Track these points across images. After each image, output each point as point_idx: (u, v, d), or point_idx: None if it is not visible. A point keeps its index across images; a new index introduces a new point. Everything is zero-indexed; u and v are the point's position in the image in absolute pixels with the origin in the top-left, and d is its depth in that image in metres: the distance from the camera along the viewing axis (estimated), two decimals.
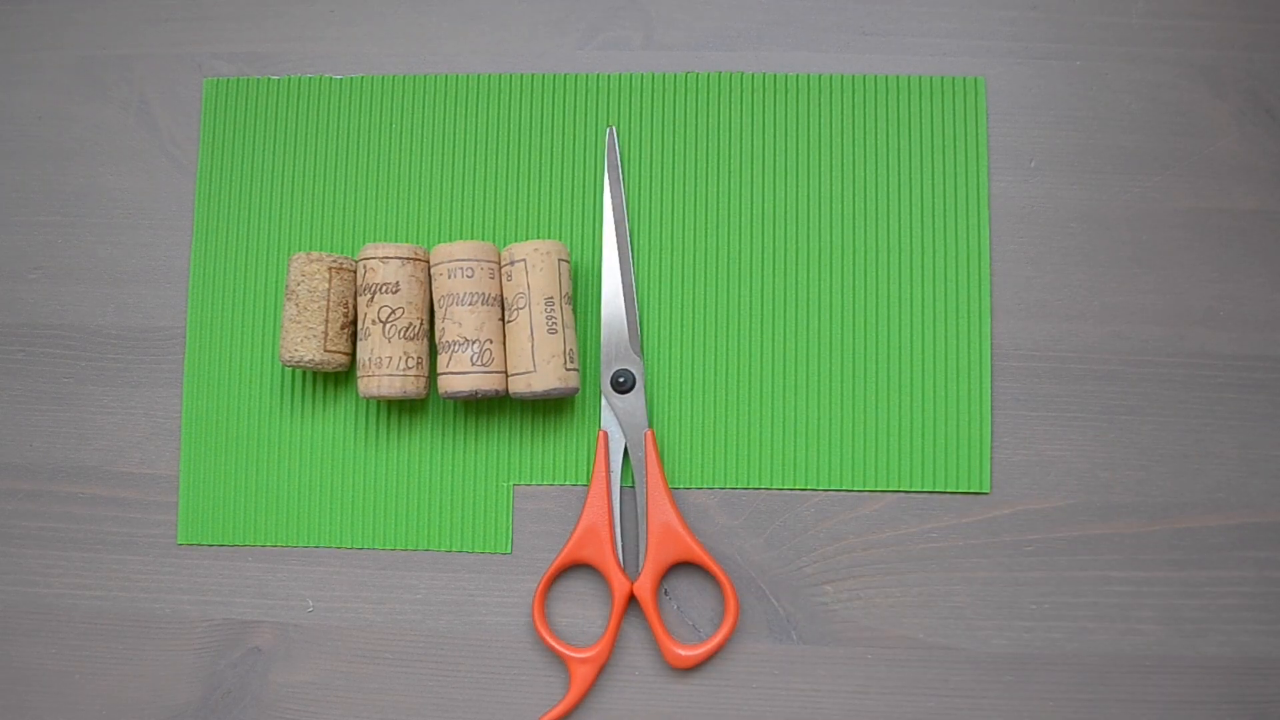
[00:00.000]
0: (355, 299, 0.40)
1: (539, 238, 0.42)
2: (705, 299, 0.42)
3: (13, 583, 0.42)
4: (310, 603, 0.41)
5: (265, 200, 0.43)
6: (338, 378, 0.42)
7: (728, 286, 0.42)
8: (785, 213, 0.42)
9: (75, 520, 0.42)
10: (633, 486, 0.41)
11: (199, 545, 0.42)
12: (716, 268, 0.42)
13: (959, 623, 0.40)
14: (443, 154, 0.43)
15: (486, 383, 0.38)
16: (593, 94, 0.43)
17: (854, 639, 0.40)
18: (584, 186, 0.43)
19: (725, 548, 0.41)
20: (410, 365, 0.39)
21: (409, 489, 0.42)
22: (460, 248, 0.39)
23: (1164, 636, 0.40)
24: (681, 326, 0.42)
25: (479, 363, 0.38)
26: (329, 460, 0.42)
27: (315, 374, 0.42)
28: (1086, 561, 0.40)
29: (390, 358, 0.39)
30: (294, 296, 0.39)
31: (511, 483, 0.41)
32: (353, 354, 0.41)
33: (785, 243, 0.42)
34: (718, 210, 0.42)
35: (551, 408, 0.42)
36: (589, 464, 0.41)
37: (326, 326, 0.39)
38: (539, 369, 0.38)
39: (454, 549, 0.41)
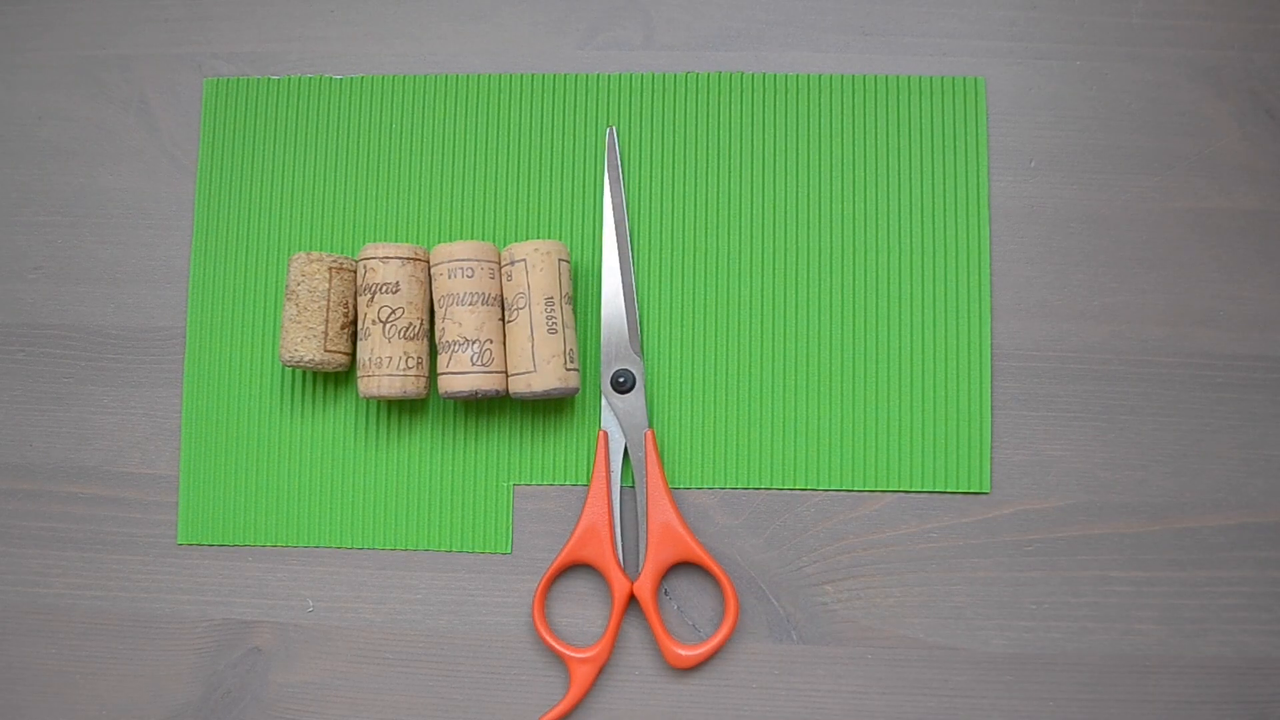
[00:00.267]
0: (355, 299, 0.40)
1: (539, 238, 0.42)
2: (705, 299, 0.42)
3: (13, 583, 0.42)
4: (310, 603, 0.41)
5: (265, 200, 0.43)
6: (338, 378, 0.42)
7: (728, 286, 0.42)
8: (785, 213, 0.42)
9: (75, 520, 0.42)
10: (633, 486, 0.41)
11: (199, 545, 0.42)
12: (716, 268, 0.42)
13: (959, 623, 0.40)
14: (443, 154, 0.43)
15: (486, 383, 0.38)
16: (593, 94, 0.43)
17: (854, 639, 0.40)
18: (584, 186, 0.43)
19: (725, 548, 0.41)
20: (410, 365, 0.39)
21: (409, 489, 0.42)
22: (460, 248, 0.39)
23: (1164, 636, 0.40)
24: (681, 326, 0.42)
25: (479, 363, 0.38)
26: (329, 460, 0.42)
27: (315, 374, 0.42)
28: (1086, 561, 0.40)
29: (390, 358, 0.39)
30: (294, 296, 0.39)
31: (511, 483, 0.41)
32: (353, 354, 0.41)
33: (785, 243, 0.42)
34: (718, 210, 0.42)
35: (551, 408, 0.42)
36: (589, 464, 0.41)
37: (326, 326, 0.39)
38: (539, 369, 0.38)
39: (454, 549, 0.41)
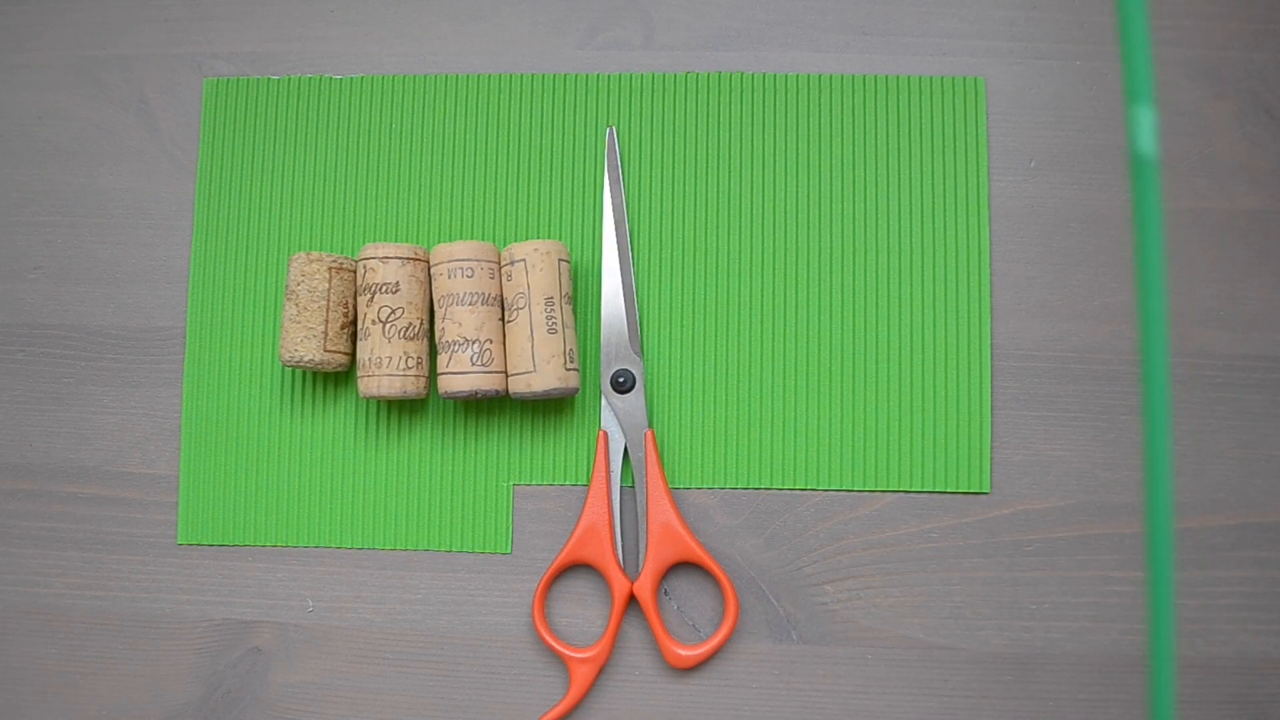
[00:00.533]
0: (355, 299, 0.40)
1: (539, 238, 0.42)
2: (705, 299, 0.42)
3: (13, 583, 0.42)
4: (310, 603, 0.41)
5: (265, 200, 0.43)
6: (338, 378, 0.42)
7: (728, 286, 0.42)
8: (785, 213, 0.42)
9: (75, 520, 0.42)
10: (633, 486, 0.41)
11: (199, 545, 0.42)
12: (716, 268, 0.42)
13: (959, 623, 0.40)
14: (443, 154, 0.43)
15: (486, 383, 0.38)
16: (593, 94, 0.43)
17: (854, 639, 0.40)
18: (584, 186, 0.43)
19: (725, 548, 0.41)
20: (410, 365, 0.39)
21: (409, 489, 0.42)
22: (460, 248, 0.39)
23: None
24: (681, 326, 0.42)
25: (479, 363, 0.38)
26: (329, 460, 0.42)
27: (315, 374, 0.42)
28: (1086, 561, 0.40)
29: (390, 358, 0.39)
30: (294, 296, 0.39)
31: (511, 483, 0.41)
32: (353, 354, 0.41)
33: (785, 243, 0.42)
34: (718, 210, 0.42)
35: (551, 408, 0.42)
36: (589, 464, 0.41)
37: (326, 326, 0.39)
38: (539, 369, 0.38)
39: (454, 549, 0.41)
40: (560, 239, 0.42)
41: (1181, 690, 0.40)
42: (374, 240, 0.43)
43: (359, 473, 0.42)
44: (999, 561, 0.40)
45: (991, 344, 0.41)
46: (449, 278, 0.39)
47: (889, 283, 0.42)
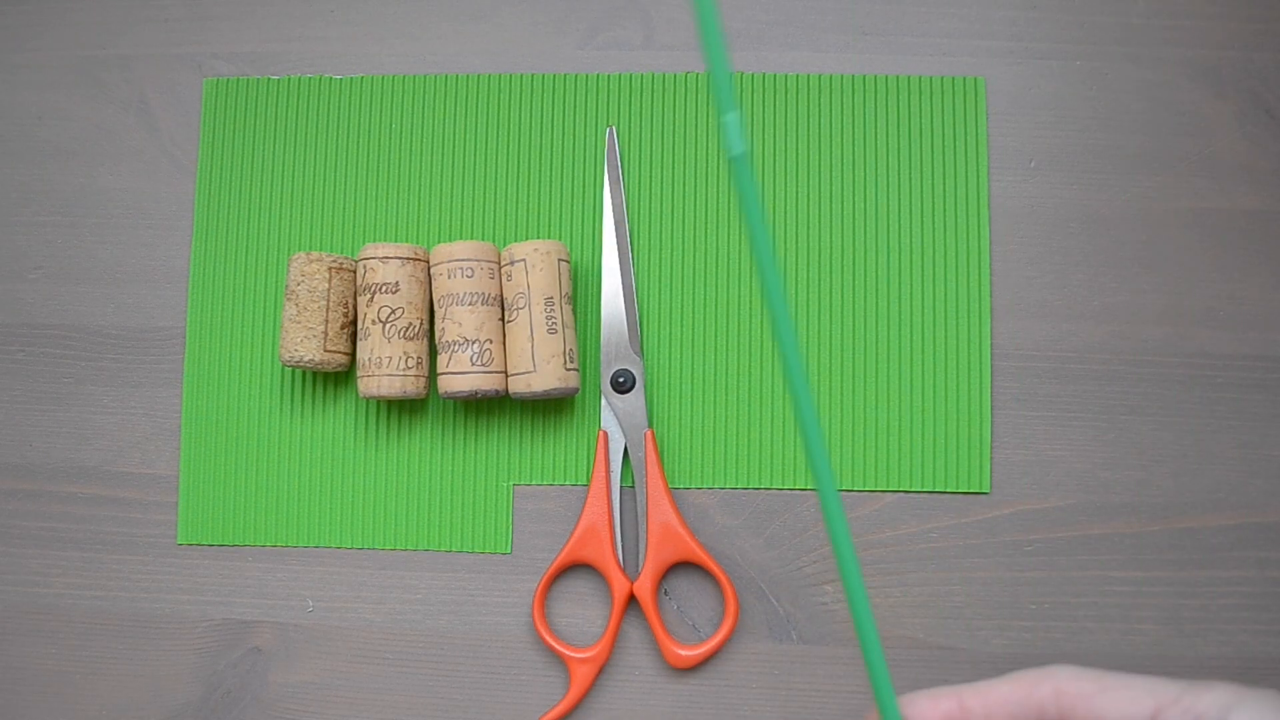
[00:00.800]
0: (355, 299, 0.40)
1: (539, 238, 0.42)
2: (705, 299, 0.42)
3: (13, 583, 0.42)
4: (310, 603, 0.41)
5: (265, 200, 0.43)
6: (338, 378, 0.42)
7: (728, 286, 0.42)
8: (785, 213, 0.42)
9: (75, 520, 0.42)
10: (633, 486, 0.41)
11: (199, 545, 0.42)
12: (716, 268, 0.42)
13: (959, 623, 0.40)
14: (443, 154, 0.43)
15: (486, 383, 0.38)
16: (593, 94, 0.43)
17: (854, 639, 0.40)
18: (584, 186, 0.43)
19: (725, 548, 0.41)
20: (410, 365, 0.39)
21: (409, 489, 0.42)
22: (460, 248, 0.39)
23: (1164, 636, 0.40)
24: (681, 326, 0.42)
25: (479, 363, 0.38)
26: (329, 460, 0.42)
27: (315, 374, 0.42)
28: (1086, 561, 0.40)
29: (390, 358, 0.39)
30: (294, 296, 0.39)
31: (511, 483, 0.41)
32: (353, 354, 0.41)
33: (785, 242, 0.42)
34: (718, 210, 0.42)
35: (551, 408, 0.42)
36: (589, 464, 0.41)
37: (326, 326, 0.39)
38: (539, 369, 0.38)
39: (454, 549, 0.41)
40: (560, 239, 0.42)
41: None
42: (374, 240, 0.43)
43: (359, 473, 0.42)
44: (999, 561, 0.40)
45: (991, 344, 0.41)
46: (449, 278, 0.39)
47: (889, 283, 0.42)
